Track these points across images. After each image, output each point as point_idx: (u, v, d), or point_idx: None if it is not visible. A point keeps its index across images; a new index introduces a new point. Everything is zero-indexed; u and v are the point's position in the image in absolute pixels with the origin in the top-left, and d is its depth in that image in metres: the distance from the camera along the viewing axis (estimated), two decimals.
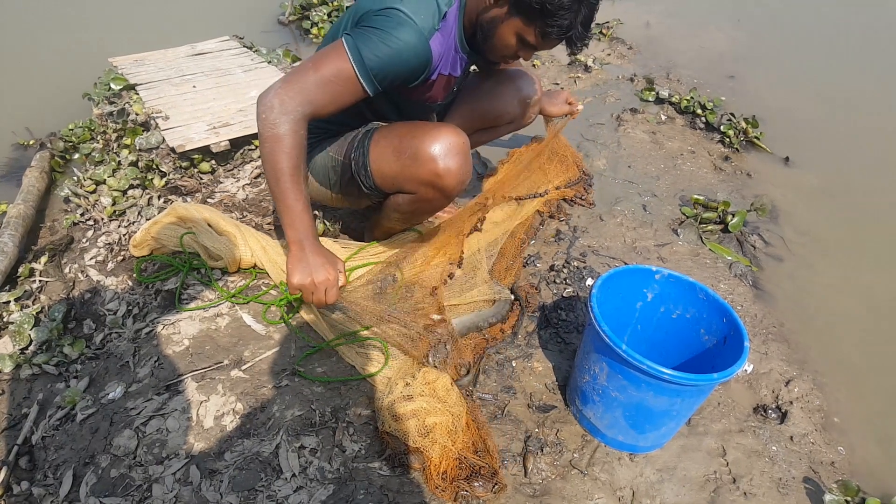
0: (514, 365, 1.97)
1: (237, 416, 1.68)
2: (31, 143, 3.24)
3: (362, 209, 2.53)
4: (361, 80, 1.67)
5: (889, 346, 2.29)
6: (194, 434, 1.64)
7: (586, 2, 1.63)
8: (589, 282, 2.29)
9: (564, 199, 2.77)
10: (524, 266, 2.39)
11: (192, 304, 2.06)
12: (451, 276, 2.17)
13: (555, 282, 2.31)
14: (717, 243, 2.65)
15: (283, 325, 1.99)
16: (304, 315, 2.01)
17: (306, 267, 1.76)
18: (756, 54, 4.79)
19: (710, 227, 2.71)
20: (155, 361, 1.86)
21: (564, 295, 2.25)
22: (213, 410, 1.70)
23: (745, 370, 2.04)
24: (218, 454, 1.60)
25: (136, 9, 5.35)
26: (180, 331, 1.96)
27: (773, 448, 1.81)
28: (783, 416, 1.92)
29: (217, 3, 5.52)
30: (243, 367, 1.83)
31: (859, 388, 2.09)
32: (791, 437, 1.85)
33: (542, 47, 1.76)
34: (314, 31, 4.72)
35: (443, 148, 1.78)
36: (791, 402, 1.95)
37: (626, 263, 2.44)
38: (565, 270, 2.36)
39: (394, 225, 2.22)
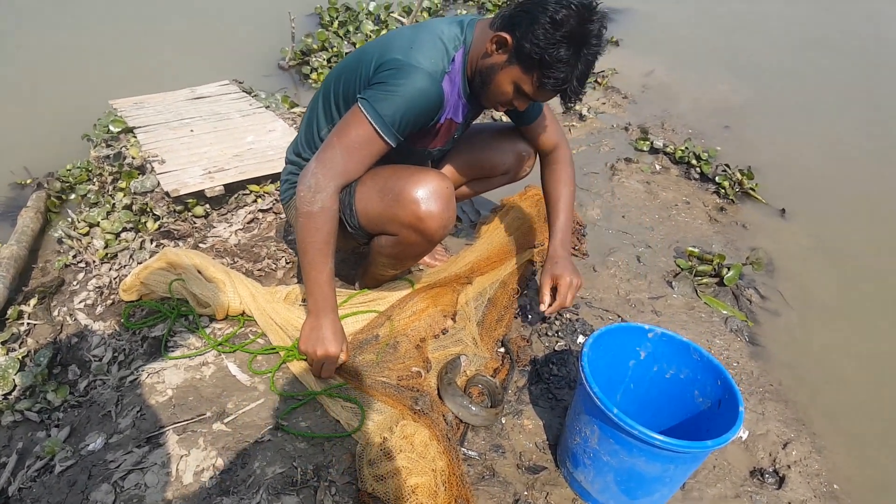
0: (503, 422, 1.93)
1: (217, 473, 1.64)
2: (28, 182, 3.25)
3: (349, 252, 2.52)
4: (384, 137, 1.75)
5: (889, 408, 2.25)
6: (173, 490, 1.59)
7: (584, 58, 1.65)
8: (580, 339, 2.26)
9: None
10: (515, 318, 2.36)
11: (178, 352, 2.03)
12: (444, 330, 2.15)
13: (546, 334, 2.28)
14: (713, 297, 2.63)
15: (267, 375, 1.96)
16: (292, 367, 1.98)
17: (317, 339, 1.89)
18: (751, 105, 4.83)
19: (705, 280, 2.69)
20: (137, 412, 1.82)
21: (556, 349, 2.22)
22: (192, 465, 1.65)
23: (741, 437, 2.00)
24: None
25: (140, 50, 5.43)
26: (164, 380, 1.93)
27: None
28: (781, 481, 1.87)
29: (220, 47, 5.61)
30: (226, 420, 1.79)
31: (860, 453, 2.05)
32: None
33: (536, 98, 1.79)
34: (314, 76, 4.78)
35: (426, 191, 1.80)
36: (789, 466, 1.91)
37: (619, 316, 2.42)
38: (557, 323, 2.33)
39: (382, 271, 2.21)
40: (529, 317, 2.36)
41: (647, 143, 3.91)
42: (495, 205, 3.05)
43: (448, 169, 2.35)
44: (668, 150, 3.84)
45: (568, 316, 2.36)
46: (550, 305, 2.06)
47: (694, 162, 3.68)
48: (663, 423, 1.79)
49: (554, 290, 2.07)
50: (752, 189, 3.46)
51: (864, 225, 3.32)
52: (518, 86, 1.74)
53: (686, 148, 3.78)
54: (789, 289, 2.77)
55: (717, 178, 3.53)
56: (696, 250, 2.82)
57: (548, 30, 1.58)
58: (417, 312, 2.16)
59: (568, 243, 2.19)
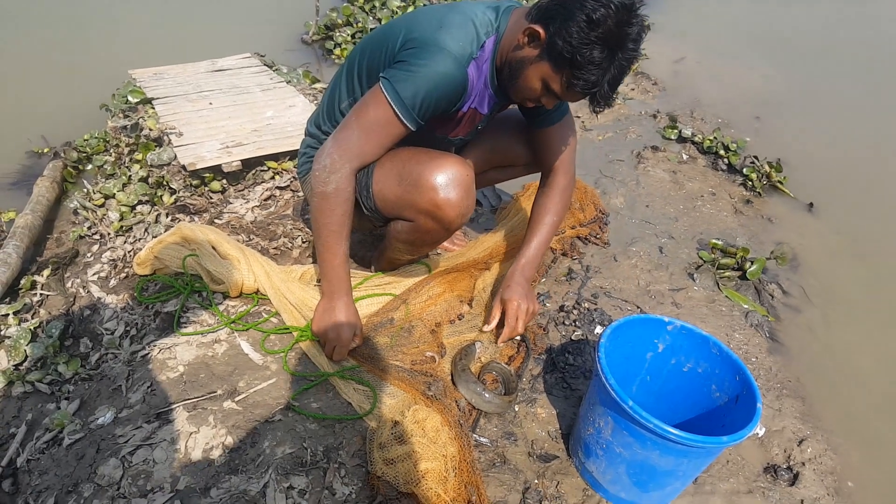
0: (516, 409, 1.90)
1: (226, 451, 1.62)
2: (45, 150, 3.25)
3: (367, 234, 2.49)
4: (404, 120, 1.70)
5: None
6: (181, 467, 1.58)
7: (617, 62, 1.55)
8: (598, 329, 2.22)
9: (578, 237, 2.71)
10: None
11: (191, 329, 2.02)
12: (460, 316, 2.12)
13: (564, 323, 2.24)
14: (734, 290, 2.57)
15: (280, 355, 1.94)
16: (304, 348, 1.96)
17: (329, 321, 1.89)
18: (784, 96, 4.71)
19: (727, 274, 2.64)
20: (148, 387, 1.81)
21: (573, 338, 2.18)
22: (202, 443, 1.64)
23: (757, 434, 1.95)
24: (204, 490, 1.54)
25: (163, 20, 5.40)
26: (176, 356, 1.92)
27: None
28: (794, 478, 1.84)
29: (243, 20, 5.56)
30: (237, 399, 1.77)
31: (875, 451, 2.01)
32: (802, 501, 1.77)
33: (565, 98, 1.71)
34: (337, 51, 4.73)
35: (445, 178, 1.76)
36: (803, 464, 1.87)
37: (638, 307, 2.37)
38: (575, 312, 2.29)
39: (398, 255, 2.18)
40: (547, 305, 2.32)
41: (675, 131, 3.82)
42: (517, 190, 2.99)
43: (472, 155, 2.28)
44: (696, 139, 3.75)
45: (586, 305, 2.32)
46: (499, 333, 2.04)
47: (722, 152, 3.60)
48: (679, 416, 1.76)
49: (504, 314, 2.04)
50: (780, 182, 3.38)
51: (893, 224, 3.23)
52: (546, 83, 1.66)
53: (714, 138, 3.69)
54: (813, 285, 2.70)
55: (744, 170, 3.44)
56: (720, 243, 2.75)
57: (582, 28, 1.49)
58: (433, 297, 2.13)
59: (530, 271, 2.10)
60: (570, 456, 1.79)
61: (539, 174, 2.27)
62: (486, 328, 2.06)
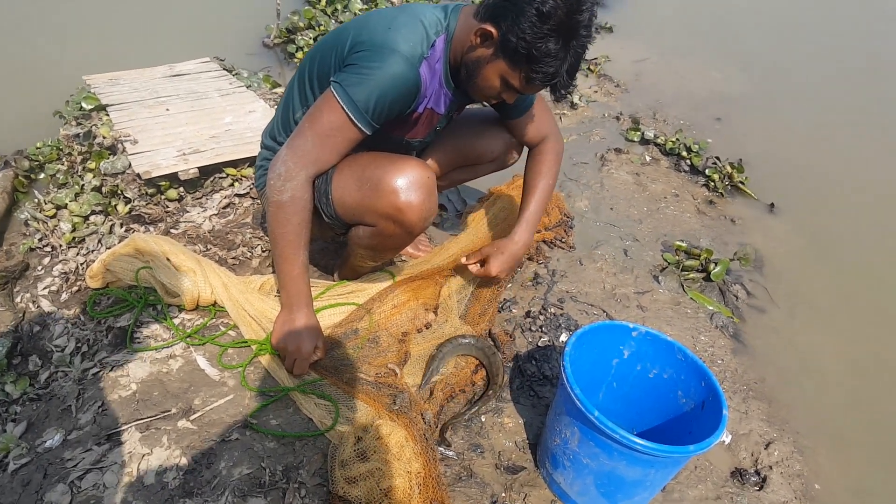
0: (483, 420, 1.87)
1: (181, 473, 1.56)
2: None
3: (328, 241, 2.44)
4: (358, 124, 1.68)
5: (872, 410, 2.22)
6: (133, 491, 1.52)
7: (573, 51, 1.57)
8: (564, 336, 2.19)
9: (544, 241, 2.69)
10: (499, 311, 2.30)
11: (145, 344, 1.95)
12: (427, 325, 2.08)
13: (530, 329, 2.22)
14: (699, 292, 2.58)
15: (238, 370, 1.88)
16: (264, 362, 1.90)
17: (289, 333, 1.84)
18: (743, 96, 4.78)
19: (692, 275, 2.64)
20: (99, 407, 1.73)
21: (540, 344, 2.15)
22: (155, 465, 1.58)
23: (724, 441, 1.95)
24: None
25: (120, 23, 5.25)
26: (129, 373, 1.84)
27: None
28: (762, 482, 1.84)
29: (203, 23, 5.44)
30: (192, 417, 1.71)
31: (841, 452, 2.02)
32: None
33: (525, 91, 1.71)
34: (299, 55, 4.65)
35: (406, 181, 1.73)
36: (770, 467, 1.87)
37: (604, 311, 2.36)
38: (542, 317, 2.27)
39: (361, 262, 2.14)
40: (513, 311, 2.30)
41: (638, 133, 3.84)
42: (482, 194, 2.97)
43: (433, 156, 2.26)
44: (658, 141, 3.78)
45: (553, 310, 2.30)
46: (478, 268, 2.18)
47: (684, 154, 3.63)
48: (646, 423, 1.75)
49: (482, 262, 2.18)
50: (741, 183, 3.41)
51: (854, 222, 3.28)
52: (506, 80, 1.66)
53: (677, 139, 3.72)
54: (776, 286, 2.72)
55: (707, 171, 3.47)
56: (684, 244, 2.76)
57: (534, 23, 1.50)
58: (398, 305, 2.09)
59: (527, 233, 2.18)
60: (537, 467, 1.76)
61: (504, 171, 2.36)
62: (464, 260, 2.20)
